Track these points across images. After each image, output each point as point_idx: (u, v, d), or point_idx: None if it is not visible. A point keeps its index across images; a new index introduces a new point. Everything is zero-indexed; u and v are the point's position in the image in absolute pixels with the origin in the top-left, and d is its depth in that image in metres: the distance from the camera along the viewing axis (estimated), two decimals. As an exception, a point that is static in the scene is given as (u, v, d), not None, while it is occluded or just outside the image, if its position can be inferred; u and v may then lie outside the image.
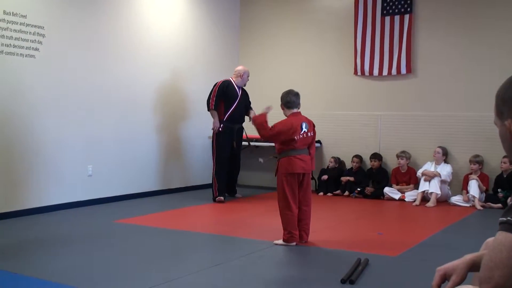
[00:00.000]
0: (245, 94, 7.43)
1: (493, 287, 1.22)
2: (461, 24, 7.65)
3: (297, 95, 4.80)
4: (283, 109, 4.81)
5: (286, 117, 4.79)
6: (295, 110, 4.77)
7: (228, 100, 7.13)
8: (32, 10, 5.94)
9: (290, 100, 4.73)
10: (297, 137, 4.63)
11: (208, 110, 7.17)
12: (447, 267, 1.49)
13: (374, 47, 8.19)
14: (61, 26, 6.28)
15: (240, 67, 7.46)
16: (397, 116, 8.07)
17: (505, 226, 1.24)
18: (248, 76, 7.37)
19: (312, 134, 4.78)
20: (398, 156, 7.75)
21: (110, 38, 6.93)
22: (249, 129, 7.26)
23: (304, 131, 4.68)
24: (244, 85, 7.38)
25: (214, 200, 7.07)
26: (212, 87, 7.22)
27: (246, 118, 7.49)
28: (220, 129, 7.08)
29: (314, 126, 4.86)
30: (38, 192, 6.06)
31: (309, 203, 4.76)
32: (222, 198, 7.06)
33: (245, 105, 7.35)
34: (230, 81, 7.25)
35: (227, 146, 7.16)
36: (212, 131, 7.21)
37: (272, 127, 4.67)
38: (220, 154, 7.13)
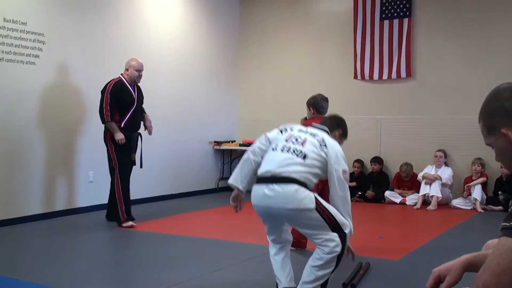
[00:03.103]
0: (139, 92, 5.97)
1: None
2: (460, 27, 7.67)
3: (328, 101, 4.79)
4: (313, 112, 4.74)
5: (307, 118, 4.78)
6: (322, 115, 4.64)
7: (123, 106, 5.75)
8: (32, 18, 5.96)
9: (323, 106, 4.72)
10: None
11: (103, 123, 5.74)
12: (442, 268, 1.48)
13: (373, 51, 8.21)
14: (61, 33, 6.30)
15: (129, 60, 5.90)
16: (397, 119, 8.08)
17: (510, 231, 1.22)
18: (137, 71, 5.81)
19: None
20: (403, 172, 7.72)
21: (110, 44, 6.95)
22: (146, 136, 6.16)
23: None
24: (135, 82, 5.88)
25: (121, 225, 5.70)
26: (102, 93, 5.76)
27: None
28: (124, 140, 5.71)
29: None
30: (39, 198, 6.06)
31: None
32: (131, 222, 5.74)
33: (140, 106, 6.00)
34: (122, 80, 5.79)
35: (128, 158, 5.89)
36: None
37: None
38: (123, 169, 5.79)
